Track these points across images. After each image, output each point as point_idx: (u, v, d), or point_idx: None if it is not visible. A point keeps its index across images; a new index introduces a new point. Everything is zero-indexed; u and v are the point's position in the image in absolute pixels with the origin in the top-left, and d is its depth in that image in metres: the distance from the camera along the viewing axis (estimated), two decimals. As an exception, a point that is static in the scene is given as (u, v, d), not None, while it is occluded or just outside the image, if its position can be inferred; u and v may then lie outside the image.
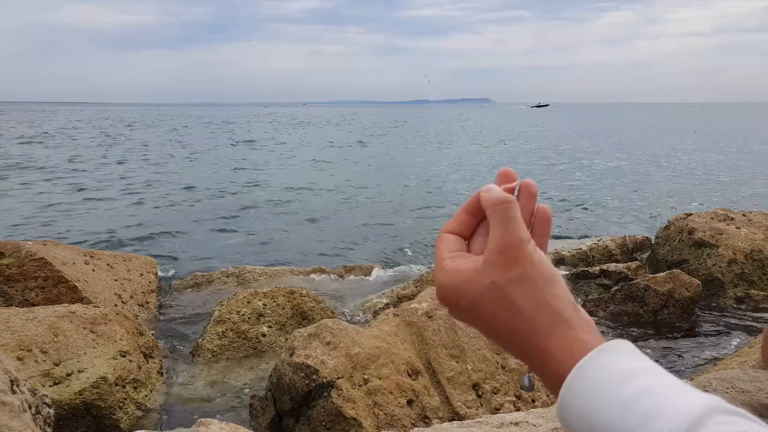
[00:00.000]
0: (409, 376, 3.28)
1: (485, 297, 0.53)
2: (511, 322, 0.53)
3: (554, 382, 0.51)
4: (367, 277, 6.86)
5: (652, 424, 0.44)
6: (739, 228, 6.39)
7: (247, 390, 4.06)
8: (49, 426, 2.07)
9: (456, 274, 0.55)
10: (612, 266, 6.35)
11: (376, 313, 5.25)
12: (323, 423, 3.05)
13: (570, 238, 8.78)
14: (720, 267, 5.99)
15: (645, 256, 7.41)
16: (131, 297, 5.39)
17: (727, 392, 1.16)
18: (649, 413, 0.44)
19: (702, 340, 5.02)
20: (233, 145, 30.20)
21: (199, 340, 4.61)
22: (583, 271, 6.41)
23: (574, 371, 0.49)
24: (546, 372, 0.52)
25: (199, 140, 33.54)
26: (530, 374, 0.60)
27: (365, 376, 3.16)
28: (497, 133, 44.56)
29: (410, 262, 8.08)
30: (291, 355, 3.29)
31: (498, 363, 3.55)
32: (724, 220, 6.63)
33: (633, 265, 6.29)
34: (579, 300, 5.73)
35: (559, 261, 7.05)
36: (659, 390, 0.46)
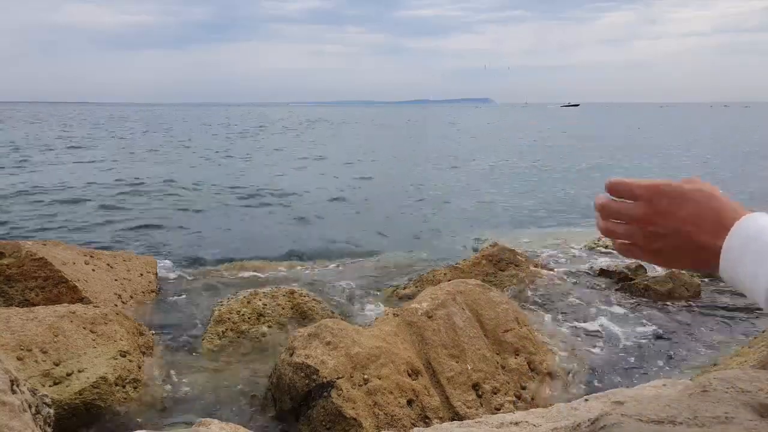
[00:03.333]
0: (409, 376, 3.28)
1: (687, 190, 0.82)
2: (702, 205, 0.81)
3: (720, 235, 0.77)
4: (368, 276, 6.86)
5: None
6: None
7: (247, 390, 4.06)
8: (49, 426, 2.08)
9: (670, 183, 0.85)
10: (612, 266, 6.35)
11: (376, 311, 5.25)
12: (323, 423, 3.05)
13: None
14: (720, 267, 5.99)
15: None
16: (131, 297, 5.39)
17: (727, 392, 1.16)
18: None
19: (702, 339, 5.02)
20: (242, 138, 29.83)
21: (200, 340, 4.62)
22: (583, 271, 6.42)
23: (732, 230, 0.75)
24: (719, 232, 0.77)
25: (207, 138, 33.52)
26: None
27: (365, 376, 3.16)
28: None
29: (411, 261, 8.07)
30: (291, 355, 3.29)
31: (498, 363, 3.55)
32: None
33: (633, 265, 6.29)
34: (577, 298, 5.73)
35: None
36: None
